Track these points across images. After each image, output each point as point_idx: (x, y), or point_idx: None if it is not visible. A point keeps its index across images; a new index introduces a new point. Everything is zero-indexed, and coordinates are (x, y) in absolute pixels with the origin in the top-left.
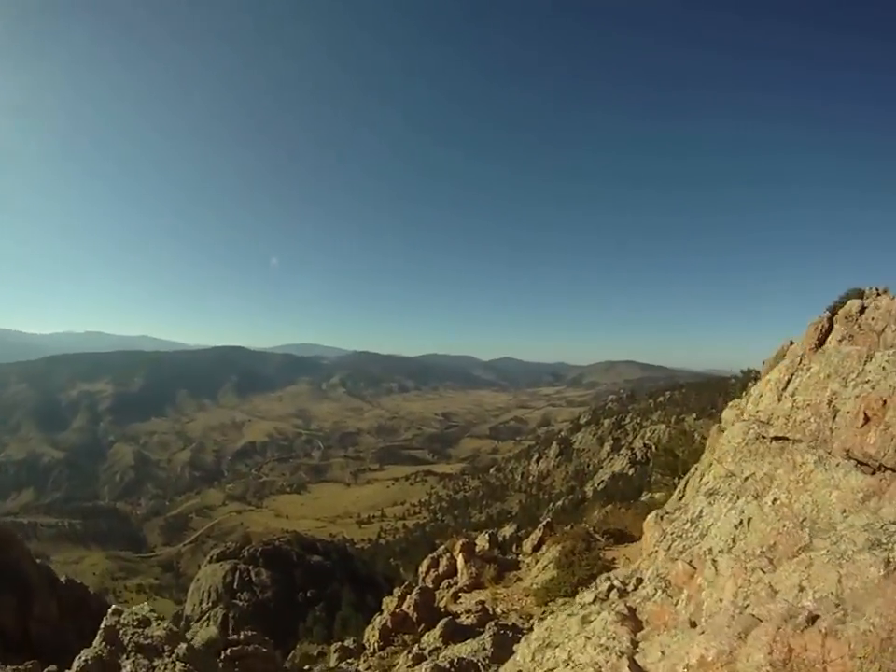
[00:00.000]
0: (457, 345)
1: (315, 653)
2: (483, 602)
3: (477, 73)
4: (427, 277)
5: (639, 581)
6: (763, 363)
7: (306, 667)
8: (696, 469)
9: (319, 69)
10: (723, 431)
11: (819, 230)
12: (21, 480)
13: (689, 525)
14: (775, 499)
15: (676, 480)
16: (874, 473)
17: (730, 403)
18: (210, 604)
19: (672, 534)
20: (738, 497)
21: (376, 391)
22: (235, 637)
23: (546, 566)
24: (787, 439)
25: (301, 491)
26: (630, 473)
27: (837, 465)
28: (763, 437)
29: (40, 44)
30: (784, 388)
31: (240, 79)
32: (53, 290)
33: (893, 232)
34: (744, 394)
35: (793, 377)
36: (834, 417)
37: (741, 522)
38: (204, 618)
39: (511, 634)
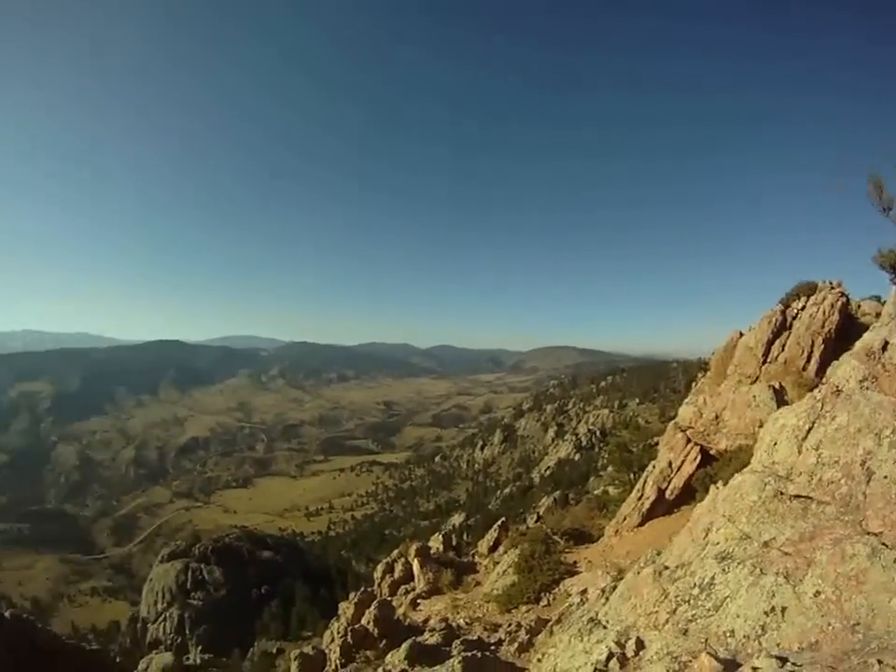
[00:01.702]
0: (395, 333)
1: (273, 650)
2: (445, 617)
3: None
4: (362, 266)
5: (640, 645)
6: (713, 353)
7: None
8: (654, 465)
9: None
10: (682, 430)
11: (755, 219)
12: None
13: (698, 590)
14: (818, 592)
15: (631, 476)
16: None
17: (686, 400)
18: (165, 605)
19: (677, 597)
20: (762, 572)
21: (316, 381)
22: (192, 662)
23: (505, 570)
24: (810, 499)
25: (247, 485)
26: (576, 458)
27: None
28: (782, 493)
29: None
30: (804, 438)
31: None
32: None
33: (834, 220)
34: (693, 384)
35: (815, 426)
36: (868, 481)
37: (773, 608)
38: (160, 619)
39: (479, 654)
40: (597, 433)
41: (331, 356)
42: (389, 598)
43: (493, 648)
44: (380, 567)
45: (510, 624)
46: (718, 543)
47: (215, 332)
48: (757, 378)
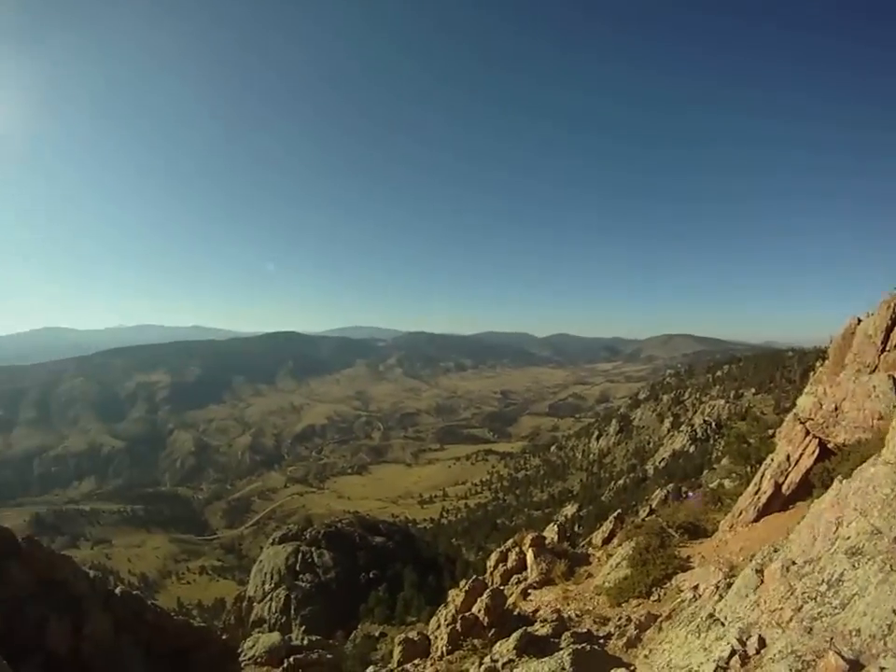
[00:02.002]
0: (512, 322)
1: (376, 634)
2: (558, 609)
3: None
4: (480, 255)
5: (762, 643)
6: (830, 341)
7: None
8: (772, 458)
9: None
10: (800, 422)
11: (878, 201)
12: (81, 469)
13: (825, 587)
14: None
15: (748, 469)
16: None
17: (805, 389)
18: (272, 585)
19: (804, 594)
20: (892, 568)
21: (433, 371)
22: (299, 642)
23: (619, 563)
24: None
25: (362, 472)
26: (691, 451)
27: None
28: None
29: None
30: None
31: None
32: (101, 287)
33: None
34: (812, 374)
35: None
36: None
37: None
38: (266, 598)
39: (588, 648)
40: (713, 424)
41: (449, 345)
42: (501, 587)
43: (601, 641)
44: (493, 556)
45: (619, 618)
46: (849, 538)
47: (334, 324)
48: (876, 367)
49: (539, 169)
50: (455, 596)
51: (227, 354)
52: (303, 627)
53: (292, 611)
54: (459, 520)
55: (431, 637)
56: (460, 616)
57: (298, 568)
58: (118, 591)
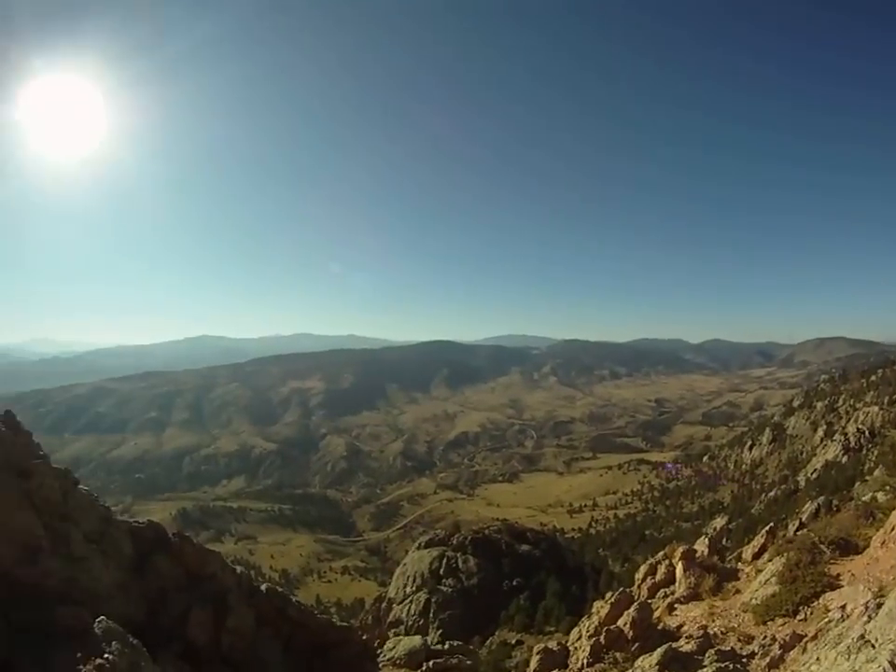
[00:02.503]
0: (666, 328)
1: (512, 641)
2: (704, 625)
3: None
4: (634, 261)
5: None
6: None
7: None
8: None
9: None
10: None
11: None
12: (231, 469)
13: None
14: None
15: None
16: None
17: None
18: (414, 588)
19: None
20: None
21: (588, 379)
22: (440, 646)
23: (768, 579)
24: None
25: (513, 480)
26: (843, 461)
27: None
28: None
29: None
30: None
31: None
32: (258, 298)
33: None
34: None
35: None
36: None
37: None
38: (407, 600)
39: (731, 666)
40: (866, 433)
41: (603, 353)
42: (648, 601)
43: (744, 660)
44: (642, 568)
45: (764, 637)
46: None
47: (488, 332)
48: None
49: (690, 182)
50: (600, 608)
51: (381, 362)
52: (440, 631)
53: (431, 615)
54: (608, 530)
55: (571, 647)
56: (604, 628)
57: (441, 573)
58: (263, 587)
